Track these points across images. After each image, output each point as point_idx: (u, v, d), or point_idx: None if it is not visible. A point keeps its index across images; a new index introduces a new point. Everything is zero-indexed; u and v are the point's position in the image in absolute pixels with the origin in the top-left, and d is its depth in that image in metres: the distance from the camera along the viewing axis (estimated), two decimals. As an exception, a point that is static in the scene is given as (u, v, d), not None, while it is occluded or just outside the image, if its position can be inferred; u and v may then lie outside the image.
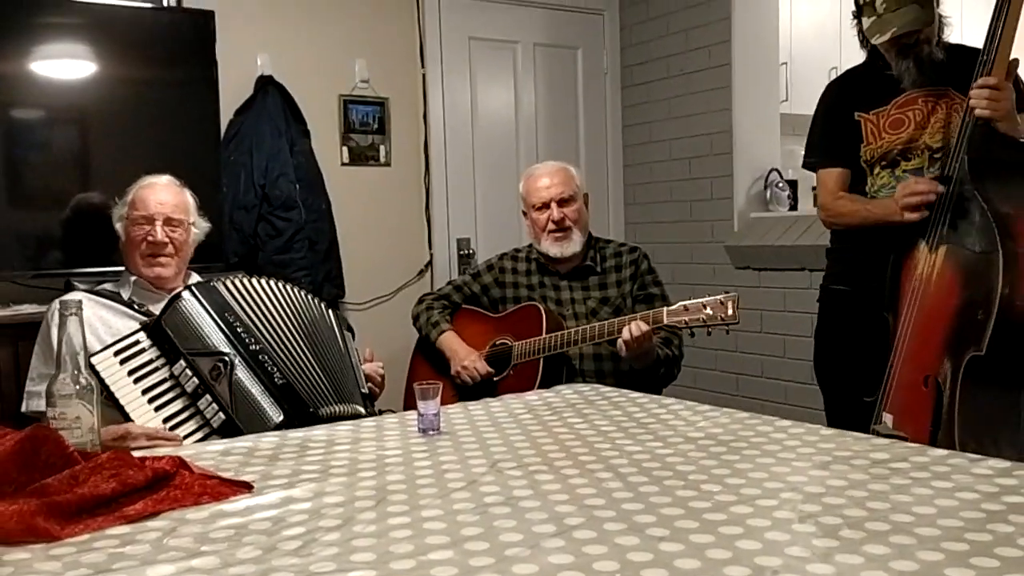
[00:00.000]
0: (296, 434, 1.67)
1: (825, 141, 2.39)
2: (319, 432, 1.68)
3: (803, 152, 2.58)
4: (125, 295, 2.12)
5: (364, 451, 1.52)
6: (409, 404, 2.64)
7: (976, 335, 1.87)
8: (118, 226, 2.18)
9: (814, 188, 3.10)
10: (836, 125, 2.34)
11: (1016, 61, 2.01)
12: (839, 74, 2.46)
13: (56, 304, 1.97)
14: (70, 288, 2.24)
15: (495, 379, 2.58)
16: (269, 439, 1.63)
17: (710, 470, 1.34)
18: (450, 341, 2.65)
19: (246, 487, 1.29)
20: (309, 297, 2.19)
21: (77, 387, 1.39)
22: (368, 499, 1.24)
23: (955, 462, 1.35)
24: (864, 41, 2.29)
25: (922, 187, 2.06)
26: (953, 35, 2.30)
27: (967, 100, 2.00)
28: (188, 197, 2.22)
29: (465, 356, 2.59)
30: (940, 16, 2.20)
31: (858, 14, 2.24)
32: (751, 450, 1.45)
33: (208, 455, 1.52)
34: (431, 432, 1.63)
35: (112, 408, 1.85)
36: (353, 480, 1.34)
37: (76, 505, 1.17)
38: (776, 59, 3.82)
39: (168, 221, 2.13)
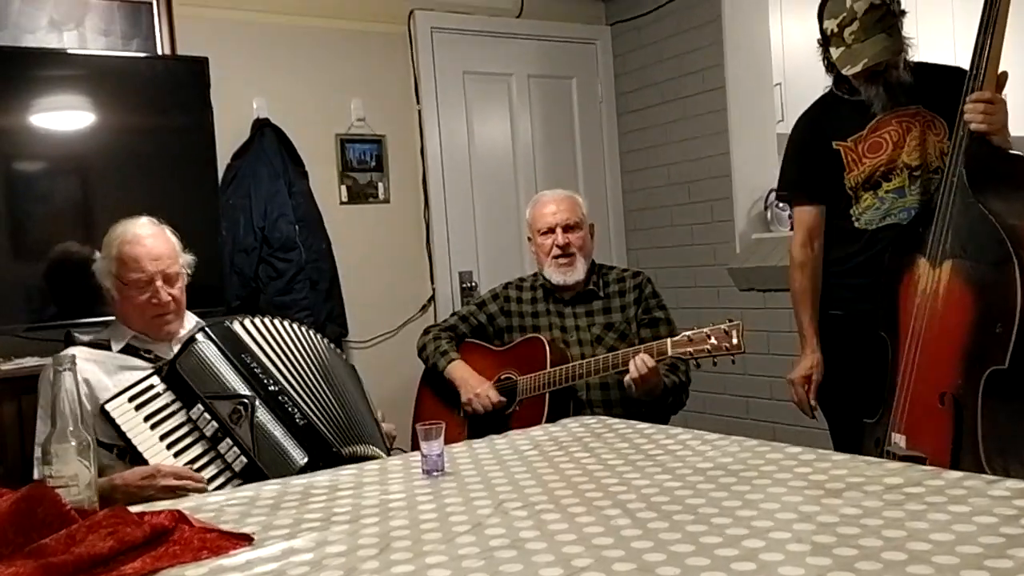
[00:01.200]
0: (298, 481, 1.64)
1: (800, 175, 2.40)
2: (322, 478, 1.65)
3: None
4: (116, 347, 2.06)
5: (367, 496, 1.49)
6: (416, 442, 2.61)
7: (997, 349, 1.84)
8: (107, 283, 2.07)
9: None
10: (812, 157, 2.34)
11: (1005, 74, 2.00)
12: (808, 107, 2.45)
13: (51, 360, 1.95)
14: (70, 339, 2.23)
15: (503, 414, 2.55)
16: (271, 487, 1.61)
17: (720, 503, 1.31)
18: (460, 370, 2.63)
19: (246, 539, 1.27)
20: (324, 340, 2.17)
21: (74, 443, 1.37)
22: (371, 547, 1.22)
23: (971, 484, 1.32)
24: (830, 67, 2.28)
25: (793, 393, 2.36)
26: (947, 49, 2.30)
27: (960, 114, 1.99)
28: (172, 237, 2.13)
29: (477, 384, 2.56)
30: (905, 38, 2.21)
31: (825, 43, 2.24)
32: (762, 479, 1.42)
33: (209, 507, 1.49)
34: (435, 473, 1.60)
35: (126, 464, 1.83)
36: (356, 527, 1.31)
37: (73, 566, 1.14)
38: (770, 80, 3.83)
39: (167, 278, 2.05)
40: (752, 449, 1.62)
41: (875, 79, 2.19)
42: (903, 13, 2.21)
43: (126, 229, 2.08)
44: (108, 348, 2.06)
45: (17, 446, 2.51)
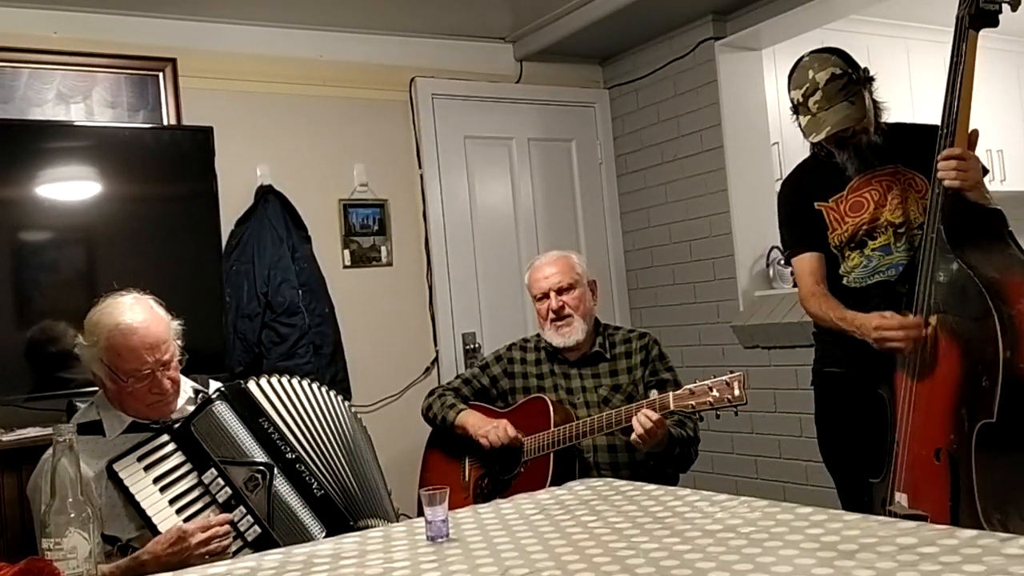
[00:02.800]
0: (301, 550, 1.61)
1: (792, 232, 2.43)
2: (325, 547, 1.62)
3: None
4: (112, 432, 1.92)
5: (371, 565, 1.46)
6: (421, 507, 2.57)
7: (984, 402, 1.84)
8: (98, 371, 1.93)
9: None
10: (799, 217, 2.38)
11: (976, 132, 2.04)
12: (790, 171, 2.51)
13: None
14: (73, 409, 2.22)
15: (506, 477, 2.52)
16: (273, 557, 1.58)
17: (731, 566, 1.28)
18: (470, 417, 2.60)
19: (248, 612, 1.24)
20: (343, 401, 2.13)
21: (72, 515, 1.35)
22: (375, 618, 1.19)
23: (985, 543, 1.29)
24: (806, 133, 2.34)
25: (894, 324, 2.04)
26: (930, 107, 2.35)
27: (934, 172, 2.02)
28: (158, 310, 1.99)
29: (490, 427, 2.51)
30: (876, 102, 2.27)
31: (795, 112, 2.30)
32: (773, 541, 1.39)
33: (210, 578, 1.46)
34: (440, 539, 1.57)
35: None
36: (359, 598, 1.29)
37: (70, 642, 1.12)
38: (767, 139, 3.88)
39: (164, 364, 1.92)
40: (762, 510, 1.59)
41: (843, 145, 2.25)
42: (870, 80, 2.26)
43: (113, 316, 1.93)
44: (101, 432, 1.92)
45: (18, 518, 2.48)
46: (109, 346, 1.89)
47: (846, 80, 2.19)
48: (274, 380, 2.02)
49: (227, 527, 1.76)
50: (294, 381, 2.05)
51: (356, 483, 1.98)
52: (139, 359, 1.88)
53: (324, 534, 1.83)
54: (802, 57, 2.28)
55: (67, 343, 2.77)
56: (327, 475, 1.93)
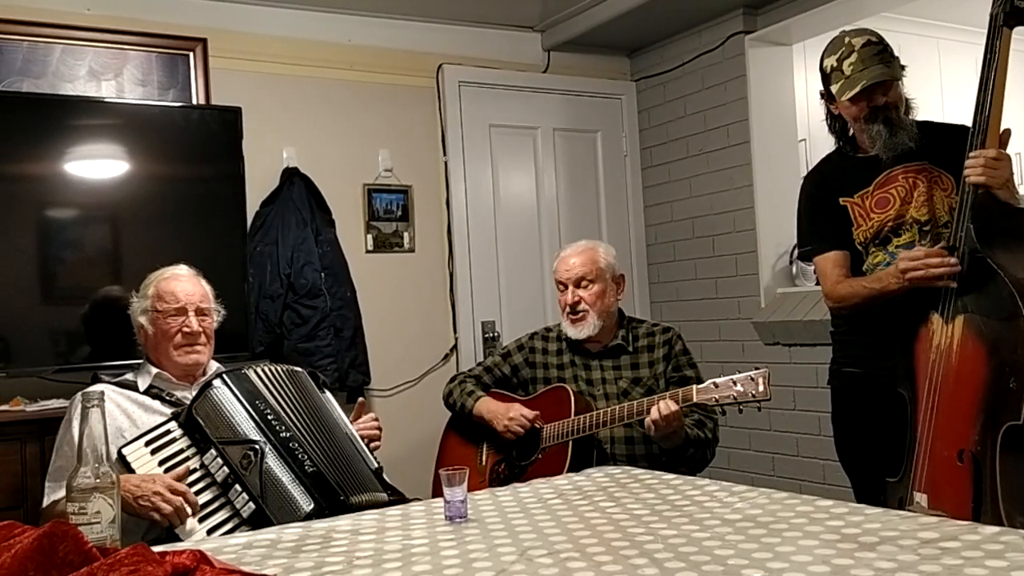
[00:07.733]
0: (320, 524, 1.62)
1: (815, 228, 2.39)
2: (343, 522, 1.63)
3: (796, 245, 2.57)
4: (141, 386, 2.12)
5: (390, 541, 1.47)
6: (437, 490, 2.58)
7: (1011, 404, 1.82)
8: (142, 319, 2.18)
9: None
10: (823, 212, 2.35)
11: (1008, 131, 2.01)
12: (815, 164, 2.48)
13: (78, 397, 1.97)
14: (97, 382, 2.25)
15: (523, 464, 2.53)
16: (292, 530, 1.59)
17: (750, 554, 1.28)
18: (488, 404, 2.62)
19: (268, 581, 1.25)
20: (309, 380, 2.20)
21: (98, 480, 1.37)
22: (393, 592, 1.20)
23: (1008, 539, 1.28)
24: (832, 124, 2.32)
25: (919, 254, 2.03)
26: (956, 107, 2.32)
27: (964, 170, 2.00)
28: (207, 286, 2.26)
29: (506, 410, 2.55)
30: (907, 99, 2.25)
31: (826, 83, 2.27)
32: (792, 532, 1.39)
33: (230, 548, 1.48)
34: (458, 519, 1.58)
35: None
36: (378, 572, 1.29)
37: (94, 604, 1.13)
38: (794, 136, 3.85)
39: (199, 311, 2.17)
40: (781, 501, 1.59)
41: (875, 116, 2.21)
42: (902, 67, 2.24)
43: (166, 270, 2.24)
44: (135, 389, 2.11)
45: (39, 487, 2.51)
46: (156, 292, 2.17)
47: (881, 47, 2.18)
48: (268, 367, 2.11)
49: (189, 507, 1.82)
50: (284, 368, 2.15)
51: (346, 460, 2.03)
52: (176, 297, 2.15)
53: (312, 506, 1.86)
54: (838, 34, 2.27)
55: (100, 316, 2.87)
56: (319, 452, 1.98)
